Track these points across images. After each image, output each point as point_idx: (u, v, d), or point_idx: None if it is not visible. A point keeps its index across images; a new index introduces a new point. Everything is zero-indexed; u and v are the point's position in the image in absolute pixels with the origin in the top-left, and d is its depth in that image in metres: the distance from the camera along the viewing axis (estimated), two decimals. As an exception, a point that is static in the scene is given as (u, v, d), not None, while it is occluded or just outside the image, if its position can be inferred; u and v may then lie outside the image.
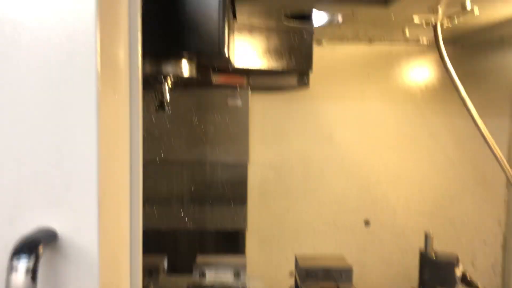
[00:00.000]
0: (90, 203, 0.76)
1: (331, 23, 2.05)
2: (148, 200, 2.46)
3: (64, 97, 0.75)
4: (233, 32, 1.89)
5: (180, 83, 2.25)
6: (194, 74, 1.74)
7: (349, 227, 2.63)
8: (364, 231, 2.64)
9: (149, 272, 1.74)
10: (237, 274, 1.81)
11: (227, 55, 1.58)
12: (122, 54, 0.90)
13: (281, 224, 2.62)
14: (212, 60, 1.76)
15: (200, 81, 2.25)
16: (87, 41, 0.75)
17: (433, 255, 1.94)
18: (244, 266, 1.79)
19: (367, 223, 2.63)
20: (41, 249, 0.69)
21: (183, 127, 2.46)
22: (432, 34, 1.98)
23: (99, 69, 0.76)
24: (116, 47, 0.86)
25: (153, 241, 2.56)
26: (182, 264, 2.28)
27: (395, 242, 2.64)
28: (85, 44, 0.75)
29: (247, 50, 2.05)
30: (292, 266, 2.30)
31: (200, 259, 1.88)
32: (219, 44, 1.55)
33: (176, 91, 2.44)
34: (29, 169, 0.75)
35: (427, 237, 1.93)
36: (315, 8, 1.87)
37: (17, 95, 0.75)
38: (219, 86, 2.43)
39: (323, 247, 2.63)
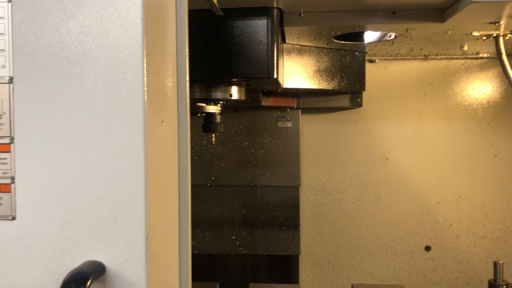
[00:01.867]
0: (137, 236, 0.75)
1: (383, 40, 1.99)
2: (200, 224, 2.46)
3: (111, 128, 0.74)
4: (282, 55, 1.86)
5: (229, 106, 2.26)
6: (244, 97, 1.73)
7: (408, 252, 2.50)
8: (424, 257, 2.49)
9: (200, 300, 1.71)
10: (290, 303, 1.74)
11: (276, 79, 1.56)
12: (170, 83, 0.89)
13: (335, 249, 2.53)
14: (262, 84, 1.75)
15: (249, 104, 2.24)
16: (133, 71, 0.74)
17: (504, 286, 1.78)
18: (297, 295, 1.72)
19: (427, 248, 2.49)
20: (89, 284, 0.68)
21: (234, 150, 2.45)
22: (493, 47, 1.87)
23: (146, 99, 0.75)
24: (163, 76, 0.85)
25: (206, 265, 2.55)
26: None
27: (459, 269, 2.48)
28: (131, 74, 0.74)
29: (296, 71, 2.02)
30: (348, 294, 2.21)
31: (252, 287, 1.83)
32: (268, 69, 1.53)
33: (225, 114, 2.46)
34: (77, 202, 0.75)
35: (496, 266, 1.79)
36: (367, 27, 1.81)
37: (65, 128, 0.75)
38: (268, 108, 2.41)
39: (380, 274, 2.51)
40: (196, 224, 2.46)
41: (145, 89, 0.75)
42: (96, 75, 0.75)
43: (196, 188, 2.46)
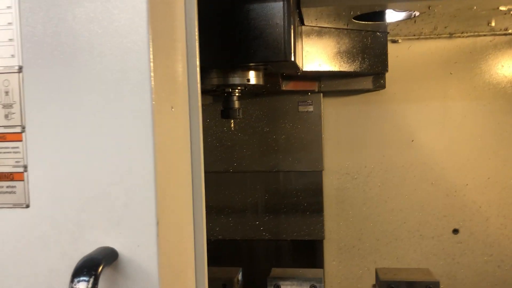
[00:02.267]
0: (148, 221, 0.75)
1: (406, 19, 1.93)
2: (224, 210, 2.47)
3: (120, 115, 0.74)
4: (300, 37, 1.83)
5: (248, 91, 2.24)
6: (262, 82, 1.71)
7: (435, 236, 2.45)
8: (452, 240, 2.44)
9: (223, 286, 1.72)
10: (313, 288, 1.73)
11: (294, 62, 1.53)
12: (179, 68, 0.88)
13: (360, 233, 2.50)
14: (280, 67, 1.72)
15: (269, 89, 2.22)
16: (140, 57, 0.74)
17: (534, 269, 1.73)
18: (320, 280, 1.71)
19: (455, 231, 2.43)
20: (100, 270, 0.69)
21: (255, 136, 2.44)
22: (522, 22, 1.79)
23: (153, 84, 0.74)
24: (172, 61, 0.85)
25: (230, 250, 2.57)
26: (259, 274, 2.24)
27: (489, 252, 2.42)
28: (138, 60, 0.74)
29: (316, 53, 1.99)
30: (374, 278, 2.18)
31: (274, 271, 1.83)
32: (286, 52, 1.50)
33: (245, 99, 2.44)
34: (89, 188, 0.75)
35: (525, 249, 1.73)
36: (387, 6, 1.76)
37: (75, 116, 0.75)
38: (289, 93, 2.38)
39: (407, 258, 2.47)
40: (219, 210, 2.47)
41: (152, 74, 0.74)
42: (103, 62, 0.75)
43: (218, 174, 2.47)
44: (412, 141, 2.43)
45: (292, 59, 1.51)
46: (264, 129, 2.44)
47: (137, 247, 0.75)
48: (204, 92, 2.05)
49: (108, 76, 0.75)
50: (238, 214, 2.48)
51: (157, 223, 0.75)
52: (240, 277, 1.82)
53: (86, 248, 0.75)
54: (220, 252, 2.50)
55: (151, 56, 0.74)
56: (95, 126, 0.75)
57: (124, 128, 0.74)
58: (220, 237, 2.48)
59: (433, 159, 2.42)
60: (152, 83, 0.74)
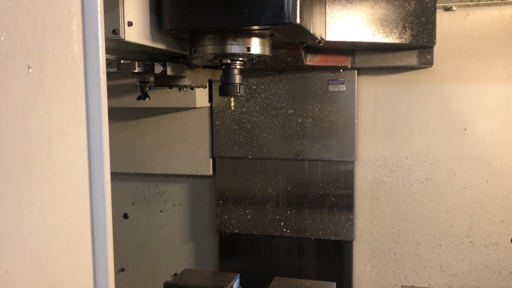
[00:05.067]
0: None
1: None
2: (241, 201, 2.21)
3: None
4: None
5: (260, 65, 1.93)
6: (268, 52, 1.40)
7: (489, 244, 2.05)
8: (511, 250, 2.03)
9: (209, 296, 1.46)
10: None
11: (301, 26, 1.22)
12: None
13: (398, 235, 2.14)
14: (286, 33, 1.40)
15: (290, 63, 1.91)
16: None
17: None
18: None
19: (515, 240, 2.02)
20: None
21: (277, 119, 2.14)
22: None
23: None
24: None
25: (247, 246, 2.30)
26: (277, 275, 1.96)
27: (557, 268, 1.99)
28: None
29: (344, 20, 1.64)
30: (408, 291, 1.84)
31: (275, 283, 1.53)
32: (289, 13, 1.19)
33: (266, 77, 2.14)
34: None
35: None
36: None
37: None
38: (317, 69, 2.04)
39: (453, 268, 2.10)
40: (236, 201, 2.21)
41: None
42: None
43: (235, 161, 2.20)
44: (465, 129, 2.03)
45: (298, 21, 1.19)
46: (288, 111, 2.13)
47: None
48: (200, 64, 1.77)
49: None
50: (257, 206, 2.20)
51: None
52: (235, 285, 1.55)
53: None
54: (235, 247, 2.24)
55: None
56: None
57: None
58: (236, 230, 2.22)
59: (490, 152, 2.01)
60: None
